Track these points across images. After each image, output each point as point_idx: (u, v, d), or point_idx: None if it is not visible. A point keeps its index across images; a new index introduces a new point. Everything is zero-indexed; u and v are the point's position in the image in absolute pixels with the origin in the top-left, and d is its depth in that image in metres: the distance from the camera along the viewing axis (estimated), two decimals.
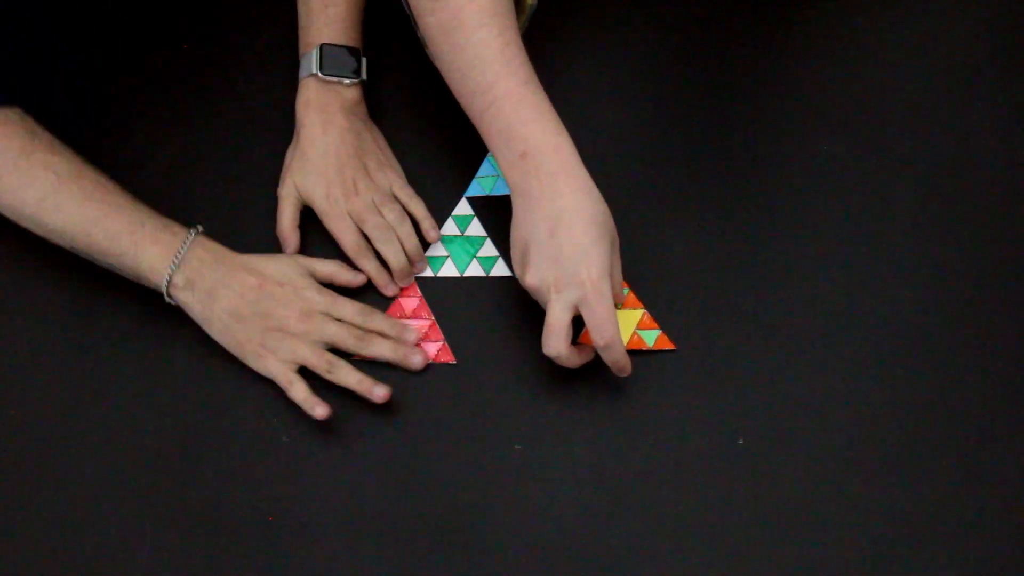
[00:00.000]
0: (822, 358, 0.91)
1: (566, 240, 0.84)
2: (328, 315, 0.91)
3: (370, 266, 0.94)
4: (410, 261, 0.94)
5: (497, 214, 0.96)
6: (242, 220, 0.98)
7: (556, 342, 0.85)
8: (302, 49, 0.98)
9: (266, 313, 0.89)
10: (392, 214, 0.94)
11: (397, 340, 0.92)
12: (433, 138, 1.00)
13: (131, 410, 0.91)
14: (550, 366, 0.89)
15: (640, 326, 0.93)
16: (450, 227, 0.97)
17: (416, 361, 0.91)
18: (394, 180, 0.96)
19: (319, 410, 0.88)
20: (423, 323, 0.94)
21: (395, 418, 0.91)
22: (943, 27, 1.04)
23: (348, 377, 0.89)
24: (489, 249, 0.96)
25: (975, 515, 0.86)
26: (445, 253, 0.96)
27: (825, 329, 0.92)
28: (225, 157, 1.01)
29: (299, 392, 0.88)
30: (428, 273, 0.95)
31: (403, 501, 0.88)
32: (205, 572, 0.87)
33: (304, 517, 0.87)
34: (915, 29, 1.04)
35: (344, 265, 0.94)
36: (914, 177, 0.98)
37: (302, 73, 0.97)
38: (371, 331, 0.92)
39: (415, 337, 0.93)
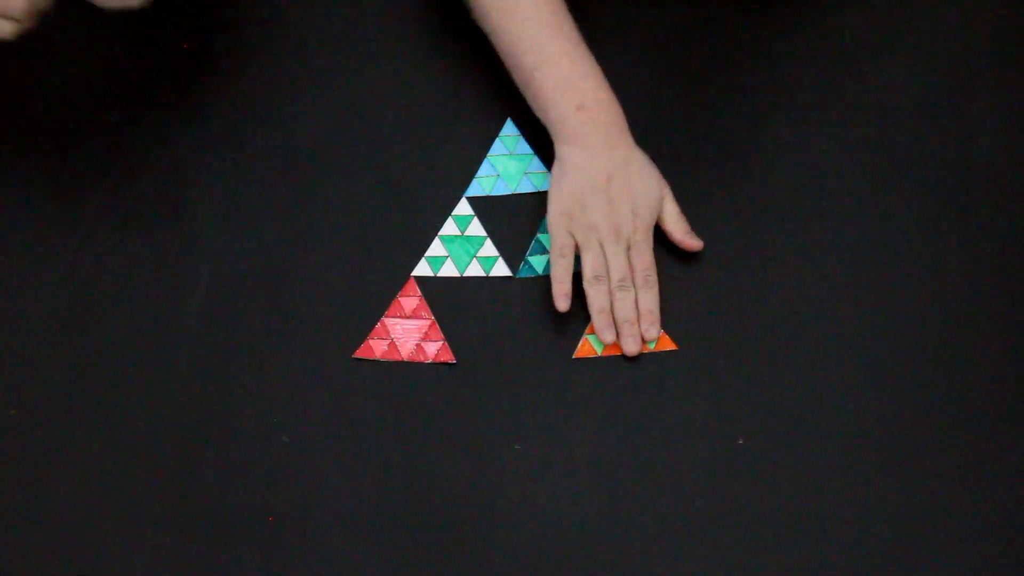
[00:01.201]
0: (822, 358, 0.91)
1: (622, 186, 0.88)
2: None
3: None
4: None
5: (497, 214, 0.97)
6: (239, 221, 0.98)
7: (652, 271, 0.90)
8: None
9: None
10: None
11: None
12: (433, 138, 1.00)
13: (131, 410, 0.91)
14: (550, 366, 0.89)
15: None
16: (450, 227, 0.97)
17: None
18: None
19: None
20: (423, 323, 0.94)
21: (395, 418, 0.91)
22: (943, 27, 1.04)
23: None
24: (489, 249, 0.96)
25: (975, 515, 0.86)
26: (445, 253, 0.96)
27: (825, 329, 0.92)
28: (225, 158, 1.01)
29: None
30: (428, 273, 0.95)
31: (403, 501, 0.88)
32: (205, 572, 0.87)
33: (304, 517, 0.87)
34: (915, 29, 1.04)
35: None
36: (914, 177, 0.98)
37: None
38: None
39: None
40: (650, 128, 0.99)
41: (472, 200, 0.98)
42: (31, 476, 0.90)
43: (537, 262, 0.95)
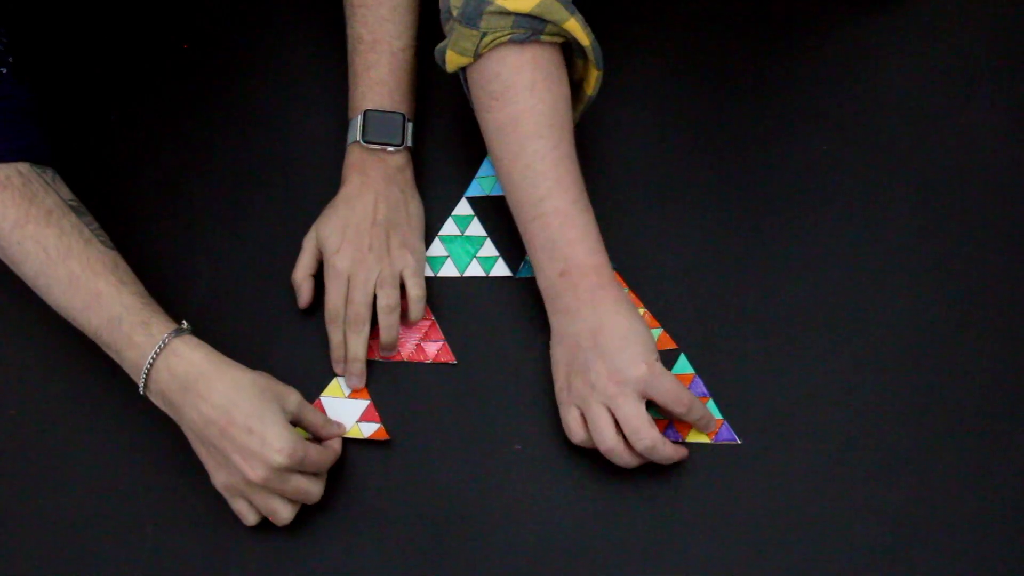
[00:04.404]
0: (822, 358, 0.91)
1: (612, 337, 0.84)
2: (288, 470, 0.84)
3: (335, 336, 0.92)
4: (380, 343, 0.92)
5: (497, 214, 0.96)
6: (238, 221, 0.98)
7: (649, 431, 0.83)
8: (350, 114, 0.96)
9: (227, 456, 0.83)
10: (386, 299, 0.91)
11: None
12: (433, 138, 1.00)
13: (131, 410, 0.91)
14: (549, 366, 0.89)
15: None
16: (450, 227, 0.97)
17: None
18: (408, 264, 0.92)
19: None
20: (423, 323, 0.94)
21: (395, 418, 0.91)
22: (943, 27, 1.04)
23: (285, 521, 0.86)
24: (489, 249, 0.96)
25: (975, 515, 0.86)
26: (445, 253, 0.96)
27: (825, 329, 0.92)
28: (225, 158, 1.01)
29: (250, 523, 0.86)
30: (428, 273, 0.95)
31: (403, 501, 0.88)
32: (205, 572, 0.87)
33: (304, 517, 0.87)
34: (915, 29, 1.04)
35: (333, 422, 0.90)
36: (914, 177, 0.98)
37: (348, 139, 0.95)
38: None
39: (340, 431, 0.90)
40: (650, 129, 0.99)
41: (472, 200, 0.98)
42: (31, 476, 0.90)
43: None
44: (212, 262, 0.97)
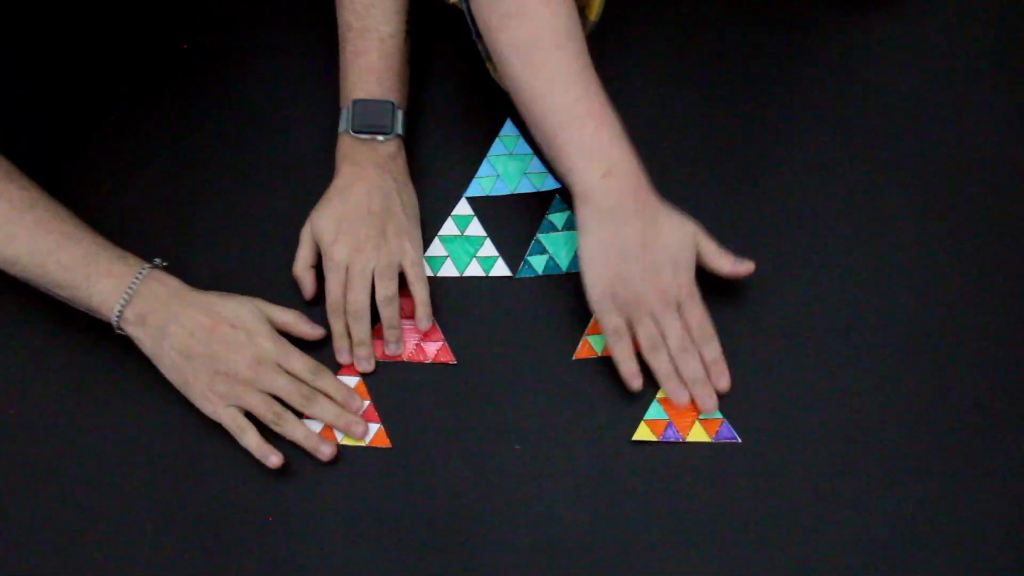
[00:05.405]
0: (822, 358, 0.91)
1: (661, 249, 0.86)
2: (278, 365, 0.89)
3: (337, 327, 0.92)
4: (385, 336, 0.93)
5: (497, 214, 0.96)
6: (238, 220, 0.98)
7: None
8: (340, 103, 0.96)
9: (216, 356, 0.87)
10: (384, 291, 0.91)
11: (344, 405, 0.90)
12: (433, 138, 1.00)
13: (131, 410, 0.91)
14: (550, 366, 0.89)
15: None
16: (450, 227, 0.97)
17: (358, 431, 0.89)
18: (407, 253, 0.93)
19: (273, 459, 0.88)
20: None
21: (395, 418, 0.91)
22: (943, 27, 1.04)
23: (295, 431, 0.88)
24: (489, 249, 0.96)
25: (975, 515, 0.86)
26: (445, 253, 0.96)
27: (825, 329, 0.92)
28: (225, 158, 1.01)
29: (251, 439, 0.88)
30: (428, 273, 0.95)
31: (403, 501, 0.88)
32: (205, 572, 0.87)
33: (304, 517, 0.87)
34: (915, 29, 1.04)
35: (304, 317, 0.92)
36: (914, 177, 0.98)
37: (339, 128, 0.95)
38: (318, 390, 0.90)
39: (359, 406, 0.91)
40: (650, 128, 0.99)
41: (472, 200, 0.98)
42: (31, 476, 0.90)
43: (536, 262, 0.95)
44: (212, 260, 0.96)
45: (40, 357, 0.94)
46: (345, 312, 0.91)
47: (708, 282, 0.94)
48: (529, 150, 0.99)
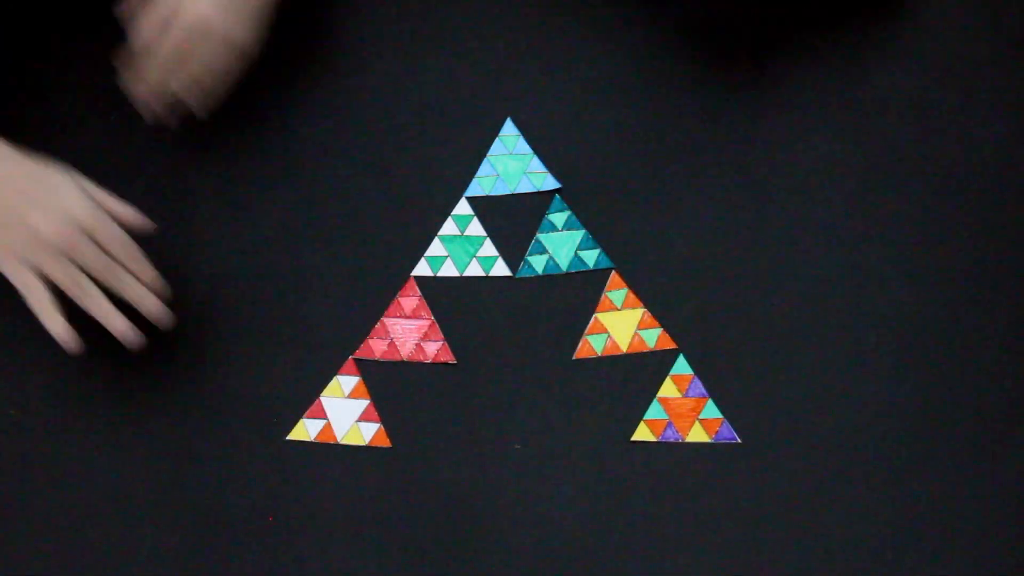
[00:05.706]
0: (822, 358, 0.91)
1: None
2: (90, 235, 0.81)
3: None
4: None
5: (497, 214, 0.96)
6: (238, 222, 0.98)
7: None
8: None
9: (22, 210, 0.79)
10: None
11: (151, 288, 0.85)
12: (433, 138, 1.00)
13: (131, 409, 0.91)
14: (550, 366, 0.89)
15: (641, 325, 0.93)
16: (450, 227, 0.97)
17: (155, 312, 0.83)
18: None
19: (74, 346, 0.82)
20: (423, 323, 0.94)
21: (395, 418, 0.91)
22: (943, 27, 1.04)
23: (98, 306, 0.82)
24: (489, 249, 0.96)
25: (975, 515, 0.86)
26: (445, 253, 0.96)
27: (825, 329, 0.92)
28: (225, 157, 1.01)
29: (57, 321, 0.82)
30: (428, 273, 0.95)
31: (403, 501, 0.88)
32: (205, 572, 0.87)
33: (304, 517, 0.87)
34: (915, 30, 1.04)
35: (139, 213, 0.86)
36: (914, 177, 0.98)
37: None
38: (127, 269, 0.84)
39: (166, 296, 0.85)
40: (650, 127, 0.99)
41: (472, 200, 0.98)
42: (31, 476, 0.90)
43: (536, 262, 0.95)
44: (211, 261, 0.96)
45: (40, 357, 0.94)
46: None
47: (707, 283, 0.94)
48: (529, 150, 0.99)
